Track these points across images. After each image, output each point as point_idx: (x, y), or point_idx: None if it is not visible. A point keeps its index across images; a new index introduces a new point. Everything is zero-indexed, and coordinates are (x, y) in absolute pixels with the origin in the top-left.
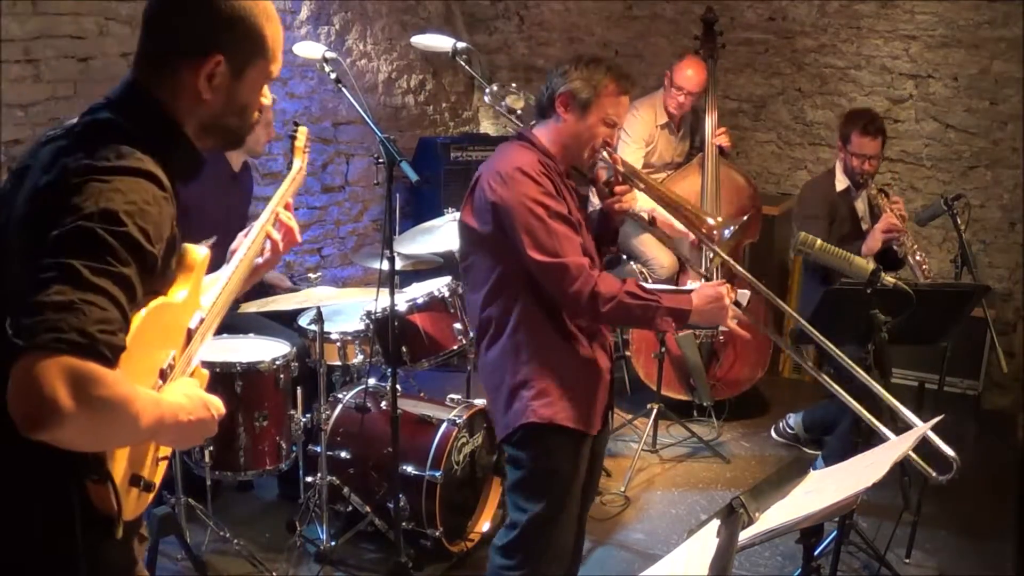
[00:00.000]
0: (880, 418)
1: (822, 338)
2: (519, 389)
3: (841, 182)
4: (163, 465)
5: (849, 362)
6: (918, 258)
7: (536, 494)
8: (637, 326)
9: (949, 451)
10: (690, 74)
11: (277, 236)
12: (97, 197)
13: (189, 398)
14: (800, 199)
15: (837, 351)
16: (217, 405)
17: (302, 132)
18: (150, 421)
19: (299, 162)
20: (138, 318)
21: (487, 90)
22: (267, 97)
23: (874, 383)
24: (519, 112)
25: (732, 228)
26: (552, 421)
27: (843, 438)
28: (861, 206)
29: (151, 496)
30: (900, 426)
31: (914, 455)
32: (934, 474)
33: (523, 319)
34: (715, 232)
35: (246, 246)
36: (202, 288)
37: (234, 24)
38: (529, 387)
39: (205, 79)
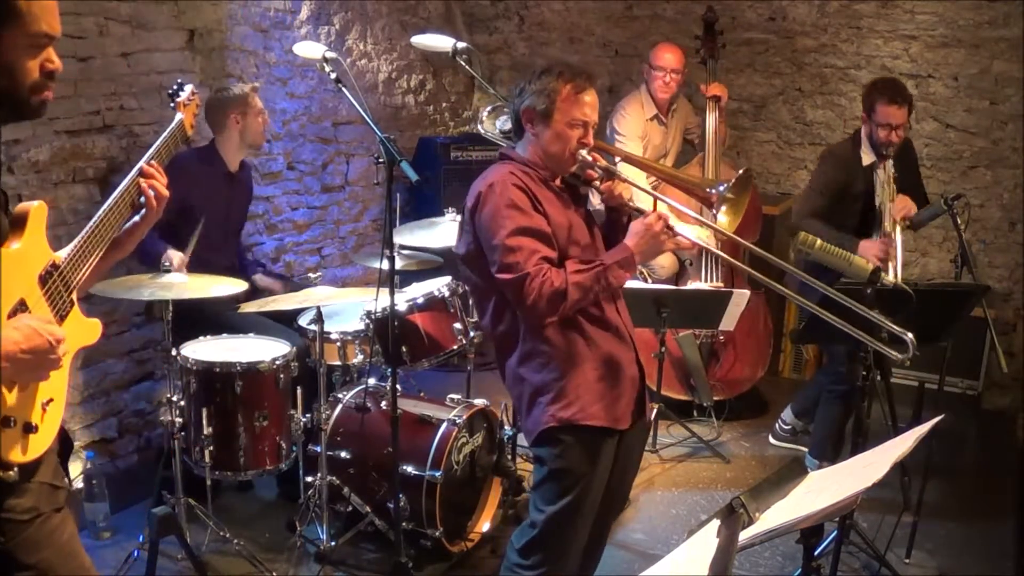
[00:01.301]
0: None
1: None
2: (537, 396)
3: (867, 156)
4: (52, 409)
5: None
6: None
7: (554, 495)
8: (601, 294)
9: (905, 333)
10: (669, 56)
11: (144, 186)
12: None
13: (18, 329)
14: (818, 164)
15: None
16: (52, 330)
17: (186, 88)
18: None
19: (180, 115)
20: None
21: (479, 124)
22: (53, 62)
23: (864, 309)
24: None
25: (727, 184)
26: (572, 422)
27: (823, 425)
28: (882, 176)
29: (40, 439)
30: (901, 426)
31: (874, 341)
32: (896, 355)
33: (530, 329)
34: (711, 190)
35: (112, 198)
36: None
37: None
38: (546, 392)
39: None
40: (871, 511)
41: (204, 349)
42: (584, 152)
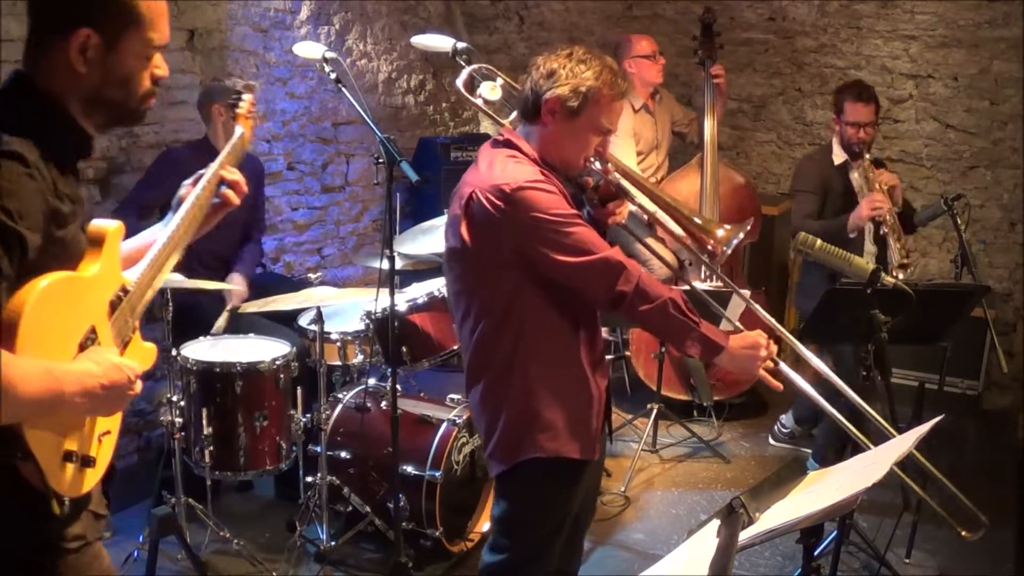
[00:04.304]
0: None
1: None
2: (521, 422)
3: (838, 156)
4: (107, 441)
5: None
6: (898, 244)
7: (532, 525)
8: (664, 338)
9: (979, 514)
10: (645, 43)
11: (226, 191)
12: None
13: (98, 363)
14: (795, 172)
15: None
16: (132, 367)
17: (246, 99)
18: (36, 390)
19: (241, 128)
20: (34, 295)
21: (457, 80)
22: (161, 68)
23: (857, 398)
24: (495, 103)
25: (738, 238)
26: (558, 454)
27: (827, 433)
28: (858, 180)
29: (95, 472)
30: (901, 426)
31: (943, 511)
32: (964, 532)
33: (528, 348)
34: (721, 247)
35: (180, 215)
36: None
37: None
38: (532, 420)
39: (78, 53)
40: (871, 511)
41: (204, 349)
42: (598, 163)
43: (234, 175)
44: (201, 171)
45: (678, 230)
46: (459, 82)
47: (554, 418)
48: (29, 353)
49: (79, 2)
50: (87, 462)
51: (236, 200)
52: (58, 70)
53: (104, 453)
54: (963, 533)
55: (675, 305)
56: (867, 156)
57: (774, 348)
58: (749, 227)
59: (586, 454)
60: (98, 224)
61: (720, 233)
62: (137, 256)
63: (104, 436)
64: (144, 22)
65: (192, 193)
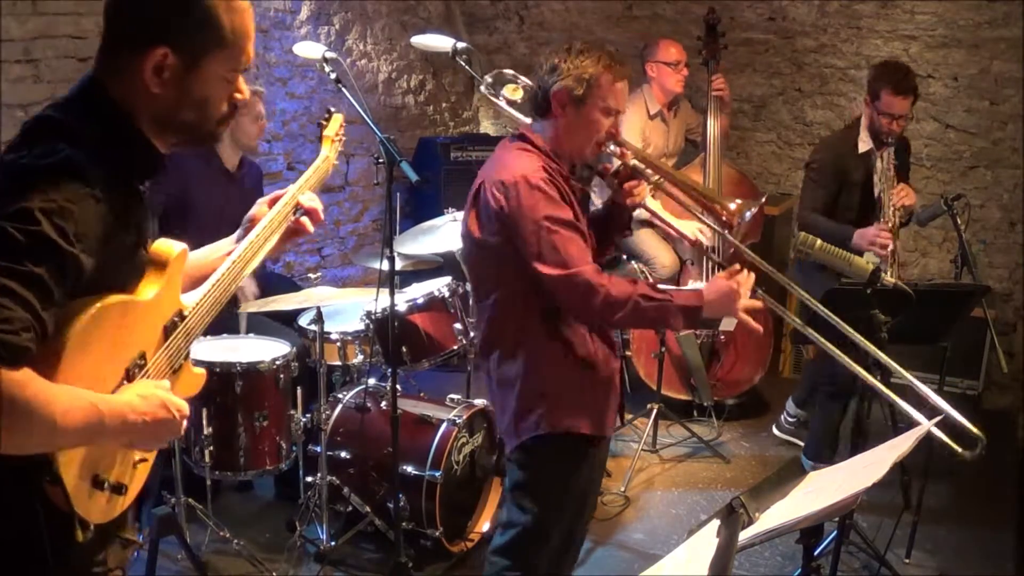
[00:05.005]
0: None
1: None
2: (532, 399)
3: (865, 143)
4: (143, 468)
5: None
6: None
7: (543, 499)
8: (648, 327)
9: (974, 429)
10: (674, 49)
11: (304, 221)
12: (17, 196)
13: (144, 398)
14: (814, 155)
15: (837, 351)
16: (179, 405)
17: (335, 120)
18: (78, 422)
19: (326, 151)
20: (84, 316)
21: (483, 82)
22: (243, 92)
23: (876, 382)
24: (519, 103)
25: (751, 211)
26: (569, 430)
27: (817, 425)
28: (880, 166)
29: (126, 499)
30: (901, 426)
31: (939, 432)
32: (960, 450)
33: (536, 329)
34: (735, 218)
35: (250, 238)
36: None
37: (184, 13)
38: (543, 397)
39: (152, 72)
40: (871, 511)
41: (204, 349)
42: (613, 145)
43: (312, 202)
44: (277, 192)
45: (684, 228)
46: (483, 89)
47: (563, 395)
48: (70, 376)
49: (157, 19)
50: (118, 489)
51: (311, 229)
52: (130, 85)
53: (137, 481)
54: (961, 451)
55: (644, 296)
56: (891, 155)
57: (750, 279)
58: (763, 200)
59: (596, 429)
60: (163, 245)
61: (733, 206)
62: (195, 272)
63: (140, 463)
64: (228, 44)
65: (266, 216)
